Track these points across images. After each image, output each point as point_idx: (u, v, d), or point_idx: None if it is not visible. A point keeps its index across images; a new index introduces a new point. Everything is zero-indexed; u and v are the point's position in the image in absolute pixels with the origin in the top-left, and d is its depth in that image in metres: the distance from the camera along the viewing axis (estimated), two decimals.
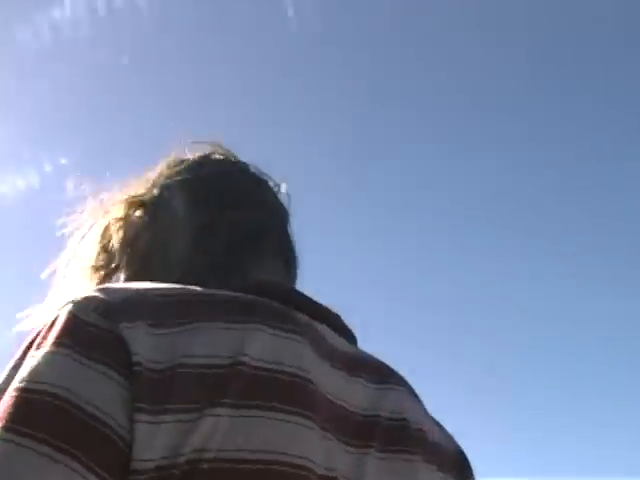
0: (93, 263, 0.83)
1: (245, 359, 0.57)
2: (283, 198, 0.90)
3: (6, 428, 0.50)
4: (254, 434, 0.55)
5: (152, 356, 0.54)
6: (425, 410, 0.78)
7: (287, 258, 0.85)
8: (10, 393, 0.53)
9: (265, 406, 0.57)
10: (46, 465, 0.49)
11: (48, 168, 4.76)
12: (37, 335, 0.58)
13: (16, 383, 0.53)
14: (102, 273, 0.82)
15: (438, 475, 0.72)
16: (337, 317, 0.77)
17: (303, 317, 0.69)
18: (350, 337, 0.77)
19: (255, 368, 0.58)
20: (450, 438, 0.80)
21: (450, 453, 0.77)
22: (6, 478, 0.49)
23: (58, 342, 0.55)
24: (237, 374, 0.56)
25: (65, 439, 0.50)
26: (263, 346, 0.60)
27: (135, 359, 0.53)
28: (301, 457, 0.57)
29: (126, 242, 0.82)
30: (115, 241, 0.83)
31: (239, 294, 0.66)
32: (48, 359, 0.54)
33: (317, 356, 0.66)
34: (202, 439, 0.52)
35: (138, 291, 0.62)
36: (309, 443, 0.59)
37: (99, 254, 0.83)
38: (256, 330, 0.61)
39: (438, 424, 0.79)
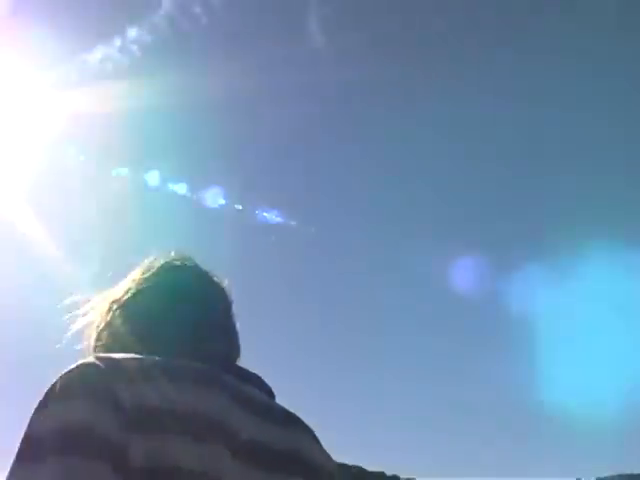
0: (88, 341, 1.14)
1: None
2: (227, 289, 1.18)
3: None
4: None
5: None
6: (318, 446, 1.07)
7: (228, 336, 1.14)
8: None
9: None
10: None
11: None
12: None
13: None
14: (92, 345, 1.13)
15: None
16: (258, 378, 1.08)
17: (230, 378, 0.99)
18: (268, 393, 1.07)
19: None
20: (330, 465, 1.07)
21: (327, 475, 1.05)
22: None
23: None
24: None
25: None
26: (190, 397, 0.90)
27: None
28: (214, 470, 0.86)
29: (105, 328, 1.12)
30: (101, 327, 1.12)
31: (184, 363, 0.96)
32: None
33: (234, 403, 0.95)
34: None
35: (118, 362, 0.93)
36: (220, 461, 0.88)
37: (92, 334, 1.14)
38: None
39: (326, 455, 1.07)
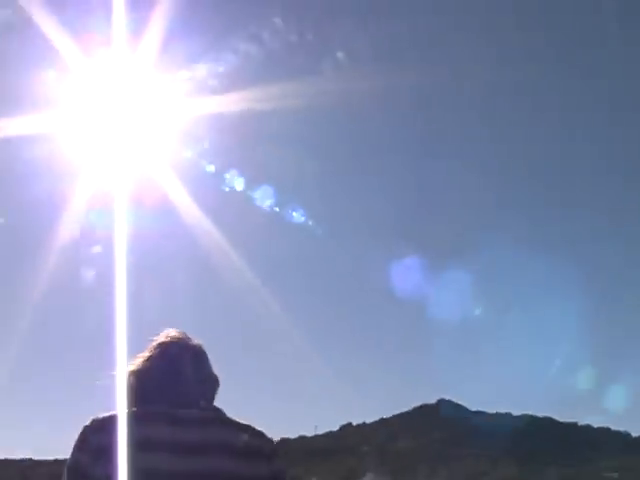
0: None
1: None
2: (205, 357, 2.00)
3: None
4: None
5: None
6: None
7: (204, 388, 1.95)
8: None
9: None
10: None
11: None
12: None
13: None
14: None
15: (234, 462, 1.74)
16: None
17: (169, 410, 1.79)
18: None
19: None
20: (258, 440, 1.86)
21: (253, 448, 1.83)
22: None
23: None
24: None
25: None
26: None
27: None
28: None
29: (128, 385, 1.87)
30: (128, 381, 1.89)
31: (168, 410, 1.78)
32: None
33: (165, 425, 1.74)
34: None
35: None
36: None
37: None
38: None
39: (249, 434, 1.84)
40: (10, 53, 33.25)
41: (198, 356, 1.97)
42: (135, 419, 1.75)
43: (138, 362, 1.92)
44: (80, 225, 25.90)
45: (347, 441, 62.92)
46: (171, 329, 2.03)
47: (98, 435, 1.73)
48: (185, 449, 1.72)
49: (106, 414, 1.78)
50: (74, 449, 1.77)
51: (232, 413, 1.89)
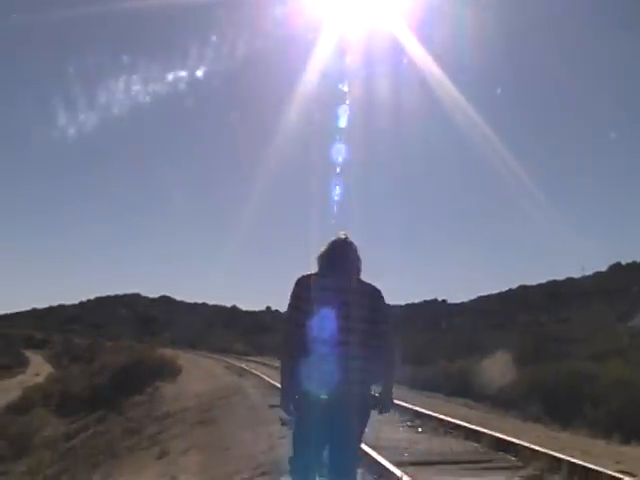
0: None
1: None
2: (353, 243, 4.29)
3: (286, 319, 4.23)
4: None
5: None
6: (363, 283, 4.24)
7: (350, 270, 4.21)
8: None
9: None
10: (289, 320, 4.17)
11: None
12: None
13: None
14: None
15: (360, 299, 4.10)
16: (344, 274, 4.15)
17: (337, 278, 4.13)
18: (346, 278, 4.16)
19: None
20: (368, 287, 4.21)
21: (364, 291, 4.18)
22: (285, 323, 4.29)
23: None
24: None
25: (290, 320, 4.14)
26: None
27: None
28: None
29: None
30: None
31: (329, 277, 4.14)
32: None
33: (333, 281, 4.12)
34: None
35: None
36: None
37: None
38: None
39: (365, 285, 4.23)
40: None
41: (353, 250, 4.28)
42: (319, 278, 4.13)
43: (322, 250, 4.27)
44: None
45: (616, 282, 58.53)
46: (340, 232, 4.33)
47: (303, 281, 4.13)
48: (340, 294, 4.06)
49: (305, 273, 4.17)
50: (295, 285, 4.13)
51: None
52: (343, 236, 4.26)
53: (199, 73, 46.44)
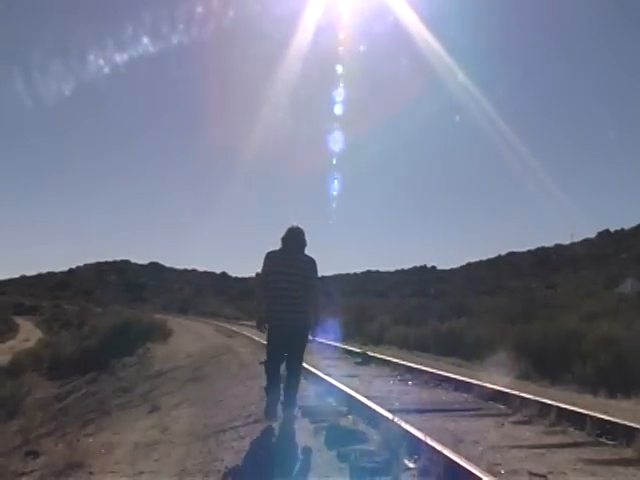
0: None
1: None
2: (300, 232, 7.33)
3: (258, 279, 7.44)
4: None
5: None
6: (304, 255, 7.32)
7: (297, 247, 7.26)
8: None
9: None
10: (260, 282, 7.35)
11: None
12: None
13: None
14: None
15: (302, 265, 7.23)
16: (301, 252, 7.32)
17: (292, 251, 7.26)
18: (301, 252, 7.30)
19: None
20: (307, 257, 7.31)
21: (305, 261, 7.28)
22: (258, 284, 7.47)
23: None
24: None
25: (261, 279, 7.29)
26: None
27: None
28: None
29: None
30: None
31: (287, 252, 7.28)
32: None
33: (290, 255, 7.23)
34: None
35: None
36: None
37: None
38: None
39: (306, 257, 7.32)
40: None
41: (301, 234, 7.25)
42: (280, 251, 7.23)
43: (284, 234, 7.17)
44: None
45: (605, 249, 59.15)
46: (294, 222, 7.29)
47: (269, 254, 7.18)
48: (291, 263, 7.13)
49: (272, 249, 7.22)
50: (265, 256, 7.19)
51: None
52: (295, 225, 7.34)
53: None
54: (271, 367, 7.38)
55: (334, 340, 19.53)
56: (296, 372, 7.35)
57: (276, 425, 7.12)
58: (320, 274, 7.60)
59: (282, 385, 7.39)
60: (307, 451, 5.94)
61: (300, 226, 7.33)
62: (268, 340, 7.39)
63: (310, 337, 7.36)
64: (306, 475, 5.29)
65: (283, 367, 7.42)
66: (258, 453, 6.23)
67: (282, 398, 7.33)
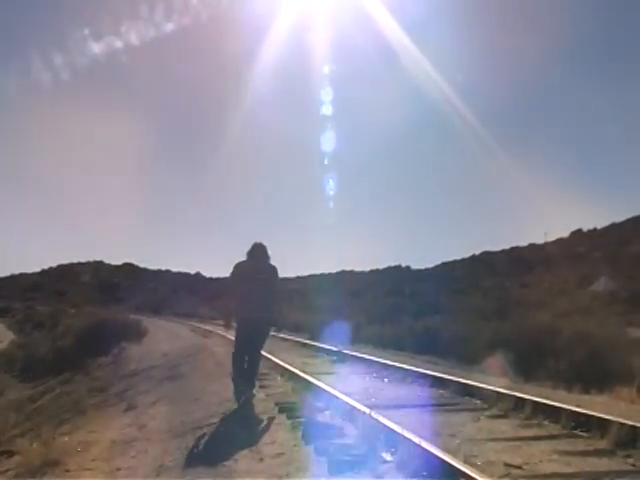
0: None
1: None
2: (262, 246, 8.81)
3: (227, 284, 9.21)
4: None
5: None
6: (268, 264, 8.81)
7: (260, 258, 8.72)
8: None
9: None
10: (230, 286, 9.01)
11: None
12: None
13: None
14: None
15: (266, 272, 8.70)
16: (264, 259, 8.81)
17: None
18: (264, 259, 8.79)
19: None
20: (270, 266, 8.82)
21: (268, 268, 8.75)
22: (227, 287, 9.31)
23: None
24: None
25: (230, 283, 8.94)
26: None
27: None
28: None
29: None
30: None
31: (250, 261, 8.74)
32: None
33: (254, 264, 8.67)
34: None
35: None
36: None
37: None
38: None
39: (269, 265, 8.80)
40: None
41: (264, 249, 8.76)
42: (247, 261, 8.68)
43: (250, 249, 8.72)
44: None
45: (578, 248, 59.70)
46: (257, 240, 8.82)
47: (238, 264, 8.66)
48: (257, 270, 8.58)
49: (240, 260, 8.72)
50: (234, 266, 8.69)
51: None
52: (259, 242, 8.78)
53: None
54: (238, 358, 8.71)
55: (310, 339, 19.61)
56: (256, 360, 8.95)
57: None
58: (294, 275, 8.58)
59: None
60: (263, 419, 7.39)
61: (263, 243, 8.84)
62: (236, 335, 8.82)
63: (274, 327, 9.76)
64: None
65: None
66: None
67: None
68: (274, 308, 8.80)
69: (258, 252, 8.72)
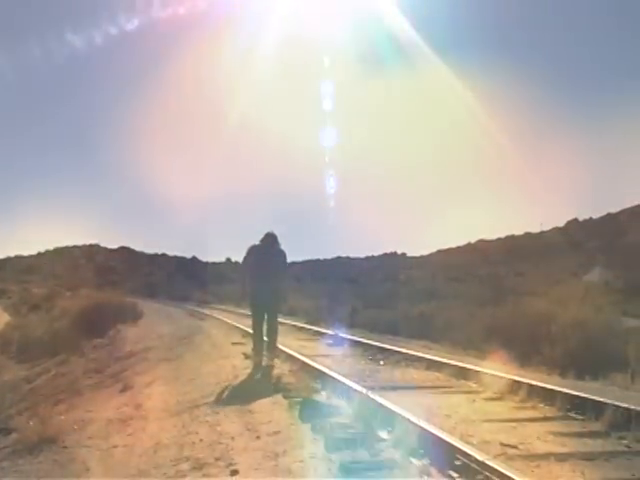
0: None
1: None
2: (274, 235, 10.26)
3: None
4: None
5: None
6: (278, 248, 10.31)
7: (272, 244, 10.16)
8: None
9: None
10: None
11: None
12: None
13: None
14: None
15: (276, 255, 10.29)
16: (274, 246, 10.28)
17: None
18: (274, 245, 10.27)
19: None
20: (280, 249, 10.33)
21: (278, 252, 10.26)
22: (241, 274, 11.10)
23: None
24: None
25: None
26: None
27: None
28: None
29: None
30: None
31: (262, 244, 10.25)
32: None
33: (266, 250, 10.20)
34: None
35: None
36: None
37: None
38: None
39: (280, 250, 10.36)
40: None
41: (275, 236, 10.21)
42: (260, 245, 10.17)
43: (262, 237, 10.20)
44: None
45: (573, 237, 59.73)
46: (269, 230, 10.30)
47: (251, 247, 10.19)
48: (269, 251, 10.13)
49: (254, 243, 10.28)
50: (248, 249, 10.25)
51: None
52: (271, 231, 10.15)
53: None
54: (256, 327, 10.14)
55: (306, 323, 19.66)
56: (274, 327, 10.26)
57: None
58: (291, 260, 8.89)
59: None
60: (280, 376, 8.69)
61: (274, 232, 10.24)
62: (252, 308, 10.35)
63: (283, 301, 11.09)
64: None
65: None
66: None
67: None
68: (282, 284, 10.32)
69: (270, 239, 10.12)
